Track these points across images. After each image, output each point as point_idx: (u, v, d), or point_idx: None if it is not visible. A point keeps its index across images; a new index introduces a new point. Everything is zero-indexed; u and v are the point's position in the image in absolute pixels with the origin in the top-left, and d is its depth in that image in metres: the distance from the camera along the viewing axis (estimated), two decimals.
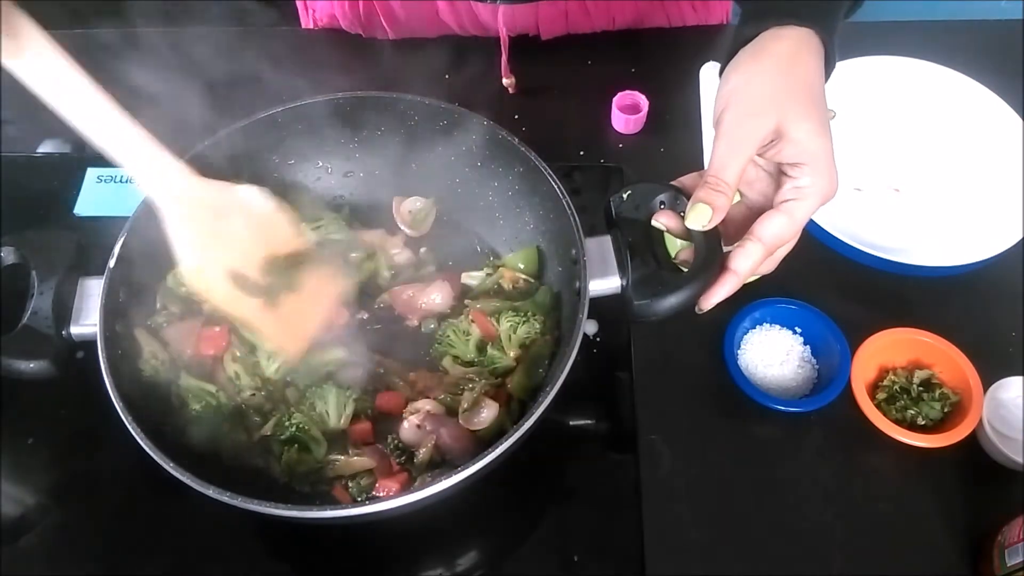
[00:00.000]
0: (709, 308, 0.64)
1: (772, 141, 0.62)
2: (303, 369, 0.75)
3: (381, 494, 0.70)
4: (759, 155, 0.63)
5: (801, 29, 0.63)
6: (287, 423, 0.72)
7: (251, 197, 0.69)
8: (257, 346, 0.75)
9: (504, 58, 1.02)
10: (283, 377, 0.75)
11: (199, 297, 0.74)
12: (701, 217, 0.61)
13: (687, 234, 0.65)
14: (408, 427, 0.73)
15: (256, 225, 0.69)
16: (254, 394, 0.74)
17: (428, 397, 0.75)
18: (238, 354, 0.75)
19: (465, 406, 0.72)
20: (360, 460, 0.72)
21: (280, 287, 0.70)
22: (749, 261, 0.62)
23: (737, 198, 0.66)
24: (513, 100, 1.04)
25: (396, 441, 0.73)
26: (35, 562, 0.74)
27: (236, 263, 0.68)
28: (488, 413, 0.72)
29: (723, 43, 1.08)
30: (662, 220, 0.66)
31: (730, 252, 0.63)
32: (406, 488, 0.69)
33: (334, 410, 0.73)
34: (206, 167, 0.66)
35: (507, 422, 0.72)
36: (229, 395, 0.74)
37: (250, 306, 0.69)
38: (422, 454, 0.71)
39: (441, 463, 0.72)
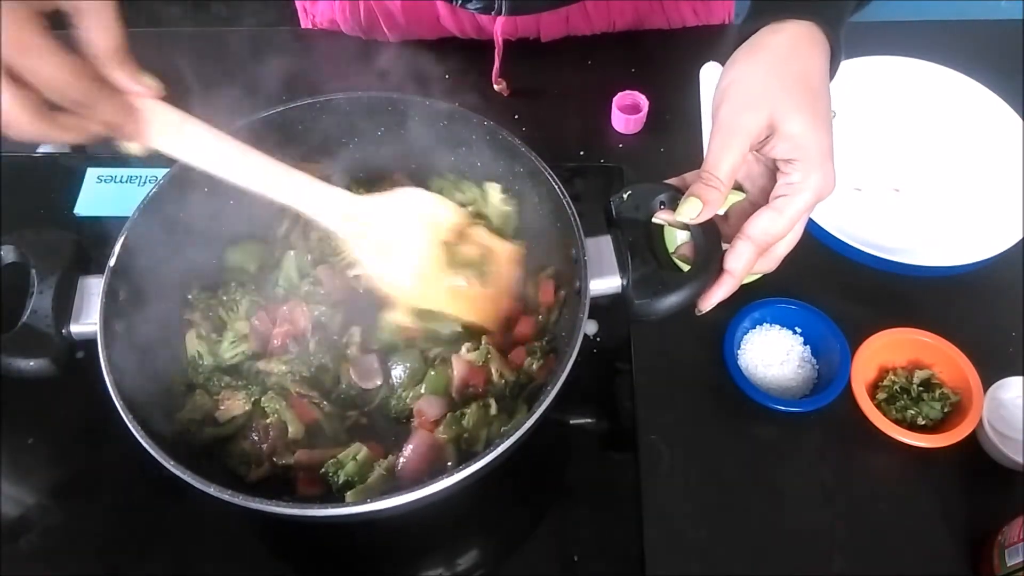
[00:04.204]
0: (708, 309, 0.64)
1: (767, 137, 0.61)
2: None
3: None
4: (757, 150, 0.63)
5: (801, 23, 0.63)
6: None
7: (409, 196, 0.72)
8: (227, 325, 0.76)
9: (496, 64, 1.02)
10: (244, 362, 0.76)
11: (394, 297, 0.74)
12: (691, 210, 0.61)
13: (687, 228, 0.65)
14: None
15: (423, 219, 0.72)
16: (210, 377, 0.74)
17: None
18: (203, 332, 0.75)
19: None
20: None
21: (464, 267, 0.72)
22: (741, 260, 0.62)
23: (742, 196, 0.66)
24: (513, 100, 1.04)
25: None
26: (35, 562, 0.74)
27: (418, 261, 0.70)
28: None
29: (725, 43, 1.09)
30: (663, 216, 0.66)
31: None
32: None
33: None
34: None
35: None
36: (191, 373, 0.75)
37: (443, 296, 0.71)
38: None
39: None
